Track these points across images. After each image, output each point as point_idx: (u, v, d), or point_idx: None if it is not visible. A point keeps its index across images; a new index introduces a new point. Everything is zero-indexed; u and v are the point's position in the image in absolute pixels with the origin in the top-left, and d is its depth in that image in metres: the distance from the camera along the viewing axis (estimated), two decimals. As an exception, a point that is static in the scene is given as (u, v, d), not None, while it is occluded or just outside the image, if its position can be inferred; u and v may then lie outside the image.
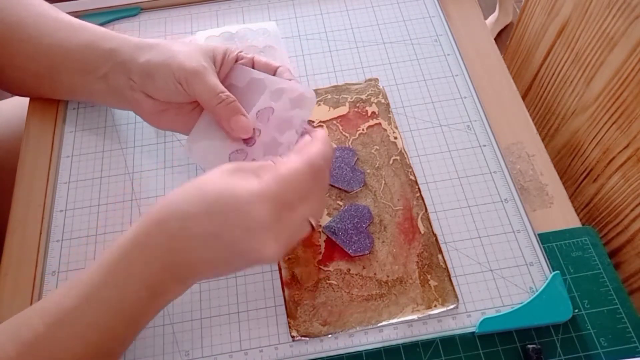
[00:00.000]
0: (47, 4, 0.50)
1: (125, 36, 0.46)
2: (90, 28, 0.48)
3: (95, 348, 0.33)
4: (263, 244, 0.33)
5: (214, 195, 0.33)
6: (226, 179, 0.34)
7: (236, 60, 0.45)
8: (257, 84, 0.45)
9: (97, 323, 0.33)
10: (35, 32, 0.48)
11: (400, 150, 0.49)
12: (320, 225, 0.45)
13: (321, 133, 0.39)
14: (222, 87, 0.42)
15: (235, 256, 0.34)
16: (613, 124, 0.51)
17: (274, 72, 0.45)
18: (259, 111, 0.44)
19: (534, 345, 0.40)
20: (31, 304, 0.43)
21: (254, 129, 0.43)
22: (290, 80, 0.44)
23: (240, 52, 0.45)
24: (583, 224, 0.46)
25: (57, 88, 0.51)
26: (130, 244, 0.33)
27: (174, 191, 0.34)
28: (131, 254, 0.33)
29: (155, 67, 0.43)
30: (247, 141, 0.44)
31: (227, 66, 0.45)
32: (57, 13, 0.49)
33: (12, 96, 0.67)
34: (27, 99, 0.55)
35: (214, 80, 0.42)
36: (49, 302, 0.34)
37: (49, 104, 0.54)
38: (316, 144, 0.37)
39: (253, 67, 0.45)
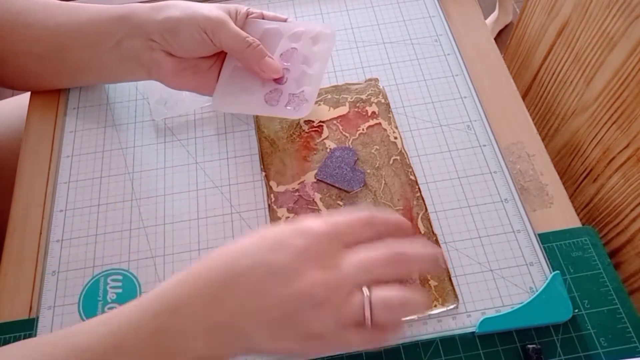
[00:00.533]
0: None
1: (132, 4, 0.47)
2: (94, 5, 0.48)
3: None
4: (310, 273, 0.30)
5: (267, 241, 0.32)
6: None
7: (247, 16, 0.48)
8: (273, 32, 0.49)
9: None
10: (42, 15, 0.48)
11: (400, 150, 0.49)
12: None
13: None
14: (246, 34, 0.45)
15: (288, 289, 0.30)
16: (613, 124, 0.51)
17: (284, 22, 0.49)
18: (282, 54, 0.48)
19: (534, 345, 0.40)
20: (31, 303, 0.43)
21: (284, 70, 0.47)
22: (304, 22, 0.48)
23: (249, 8, 0.49)
24: (583, 224, 0.46)
25: (62, 70, 0.50)
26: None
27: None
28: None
29: (178, 22, 0.44)
30: (279, 81, 0.48)
31: (240, 22, 0.47)
32: (60, 1, 0.50)
33: (12, 96, 0.67)
34: (27, 99, 0.55)
35: (237, 28, 0.45)
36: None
37: (49, 104, 0.54)
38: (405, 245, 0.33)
39: (263, 18, 0.49)
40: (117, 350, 0.29)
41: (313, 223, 0.32)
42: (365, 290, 0.31)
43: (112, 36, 0.46)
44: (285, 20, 0.49)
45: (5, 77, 0.52)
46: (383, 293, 0.31)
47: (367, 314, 0.30)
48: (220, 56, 0.49)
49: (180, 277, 0.31)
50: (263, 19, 0.49)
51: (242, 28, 0.47)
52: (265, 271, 0.30)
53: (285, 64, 0.48)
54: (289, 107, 0.47)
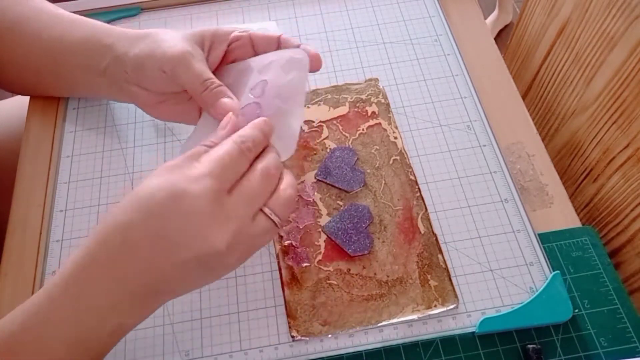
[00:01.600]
0: (45, 1, 0.50)
1: (122, 29, 0.46)
2: (90, 22, 0.47)
3: None
4: (207, 229, 0.31)
5: (148, 194, 0.31)
6: (161, 176, 0.32)
7: (230, 43, 0.43)
8: (244, 69, 0.43)
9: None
10: (35, 27, 0.48)
11: (400, 150, 0.49)
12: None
13: (257, 121, 0.37)
14: (208, 74, 0.40)
15: (186, 253, 0.31)
16: (613, 124, 0.51)
17: (276, 42, 0.42)
18: (251, 89, 0.41)
19: (534, 345, 0.40)
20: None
21: (254, 104, 0.40)
22: (288, 48, 0.42)
23: (234, 32, 0.43)
24: (583, 224, 0.46)
25: (58, 84, 0.51)
26: (77, 270, 0.32)
27: (115, 204, 0.33)
28: (79, 282, 0.32)
29: (143, 59, 0.42)
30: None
31: (219, 48, 0.43)
32: (56, 9, 0.49)
33: (12, 96, 0.67)
34: (27, 99, 0.55)
35: (199, 66, 0.40)
36: None
37: (49, 104, 0.54)
38: (245, 128, 0.36)
39: (252, 45, 0.43)
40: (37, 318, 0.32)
41: (188, 184, 0.32)
42: (265, 210, 0.34)
43: (99, 63, 0.45)
44: (277, 41, 0.42)
45: (6, 84, 0.52)
46: (275, 203, 0.34)
47: (276, 219, 0.34)
48: None
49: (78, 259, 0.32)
50: (252, 42, 0.43)
51: (221, 52, 0.43)
52: (160, 243, 0.31)
53: (255, 98, 0.41)
54: None
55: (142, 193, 0.32)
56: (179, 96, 0.44)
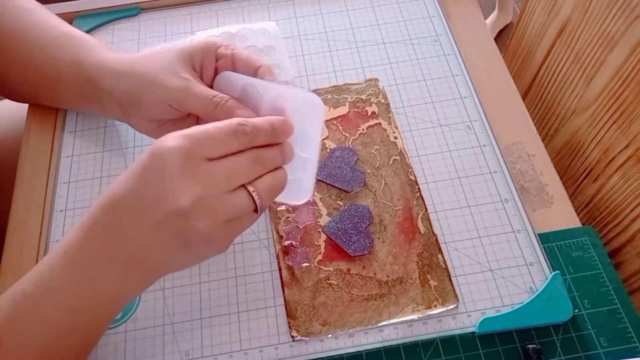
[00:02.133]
0: (38, 9, 0.50)
1: (104, 57, 0.45)
2: (73, 46, 0.47)
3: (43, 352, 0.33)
4: (173, 184, 0.31)
5: (136, 165, 0.32)
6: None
7: (216, 59, 0.42)
8: (250, 90, 0.40)
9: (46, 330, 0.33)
10: (27, 46, 0.48)
11: (400, 150, 0.49)
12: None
13: (272, 117, 0.37)
14: (212, 92, 0.40)
15: (156, 214, 0.31)
16: (613, 124, 0.51)
17: (254, 71, 0.41)
18: None
19: (534, 345, 0.40)
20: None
21: None
22: (282, 83, 0.40)
23: (219, 47, 0.42)
24: (583, 224, 0.46)
25: (56, 100, 0.51)
26: (74, 243, 0.33)
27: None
28: (75, 255, 0.33)
29: (139, 96, 0.42)
30: None
31: (209, 66, 0.42)
32: (45, 22, 0.49)
33: (12, 96, 0.67)
34: (27, 99, 0.55)
35: (201, 89, 0.40)
36: None
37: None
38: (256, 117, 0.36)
39: (233, 64, 0.42)
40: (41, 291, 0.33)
41: (167, 141, 0.32)
42: (248, 187, 0.34)
43: (91, 93, 0.45)
44: (255, 70, 0.41)
45: (6, 92, 0.53)
46: (260, 184, 0.34)
47: (257, 199, 0.34)
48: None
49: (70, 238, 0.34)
50: (233, 61, 0.42)
51: (214, 79, 0.42)
52: (136, 205, 0.32)
53: None
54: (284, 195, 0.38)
55: (132, 167, 0.33)
56: (181, 118, 0.44)
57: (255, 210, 0.34)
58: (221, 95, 0.40)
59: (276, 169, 0.36)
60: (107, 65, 0.44)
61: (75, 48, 0.46)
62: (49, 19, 0.49)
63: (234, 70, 0.42)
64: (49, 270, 0.33)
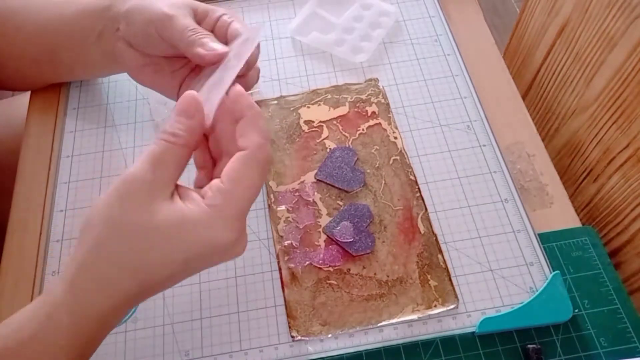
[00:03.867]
0: None
1: None
2: None
3: None
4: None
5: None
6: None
7: (217, 21, 0.42)
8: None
9: None
10: (27, 15, 0.48)
11: (400, 150, 0.49)
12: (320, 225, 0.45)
13: (256, 114, 0.33)
14: (194, 26, 0.40)
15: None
16: (613, 123, 0.51)
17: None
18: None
19: (534, 345, 0.40)
20: (31, 304, 0.43)
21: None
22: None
23: (224, 14, 0.42)
24: (583, 224, 0.46)
25: (58, 69, 0.51)
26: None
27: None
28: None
29: (134, 13, 0.43)
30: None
31: (209, 22, 0.42)
32: None
33: (12, 96, 0.67)
34: (27, 99, 0.55)
35: (188, 21, 0.40)
36: None
37: (49, 104, 0.54)
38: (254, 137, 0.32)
39: (225, 36, 0.41)
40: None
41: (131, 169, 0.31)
42: None
43: (94, 28, 0.46)
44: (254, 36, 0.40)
45: (4, 80, 0.52)
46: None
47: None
48: (188, 65, 0.45)
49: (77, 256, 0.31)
50: (227, 31, 0.41)
51: (208, 28, 0.42)
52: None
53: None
54: None
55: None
56: (165, 64, 0.44)
57: None
58: (203, 31, 0.40)
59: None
60: None
61: None
62: None
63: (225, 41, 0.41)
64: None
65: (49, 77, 0.53)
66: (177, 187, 0.32)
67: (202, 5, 0.43)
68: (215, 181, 0.31)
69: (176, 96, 0.44)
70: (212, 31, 0.42)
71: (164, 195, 0.30)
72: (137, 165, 0.30)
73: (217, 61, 0.39)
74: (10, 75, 0.52)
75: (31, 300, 0.43)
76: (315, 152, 0.49)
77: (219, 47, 0.39)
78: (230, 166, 0.31)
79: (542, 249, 0.44)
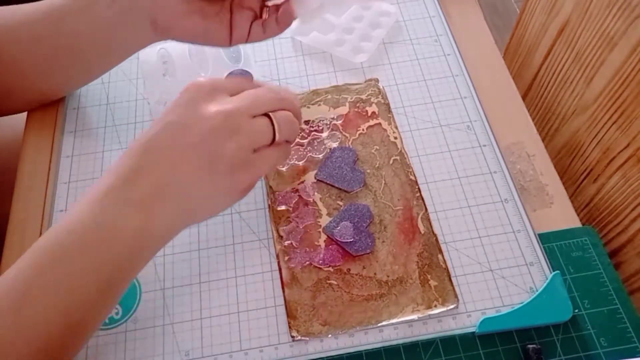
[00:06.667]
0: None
1: None
2: None
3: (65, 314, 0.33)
4: (207, 108, 0.35)
5: (168, 106, 0.37)
6: None
7: None
8: None
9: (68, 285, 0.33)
10: (22, 20, 0.45)
11: (400, 150, 0.49)
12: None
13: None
14: None
15: (193, 134, 0.35)
16: (613, 124, 0.51)
17: None
18: None
19: (534, 345, 0.40)
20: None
21: None
22: None
23: None
24: (583, 224, 0.46)
25: (58, 52, 0.47)
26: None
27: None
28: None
29: None
30: None
31: None
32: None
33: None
34: (27, 99, 0.54)
35: None
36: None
37: (50, 104, 0.54)
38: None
39: None
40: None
41: (195, 80, 0.37)
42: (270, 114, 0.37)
43: None
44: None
45: (19, 103, 0.52)
46: (279, 113, 0.38)
47: (276, 127, 0.37)
48: (226, 5, 0.45)
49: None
50: None
51: None
52: (170, 132, 0.35)
53: None
54: None
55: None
56: (208, 8, 0.43)
57: (273, 140, 0.37)
58: None
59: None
60: None
61: None
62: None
63: None
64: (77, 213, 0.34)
65: (62, 73, 0.49)
66: None
67: None
68: None
69: (229, 42, 0.46)
70: None
71: None
72: None
73: None
74: (24, 93, 0.51)
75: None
76: (315, 152, 0.49)
77: None
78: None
79: (542, 249, 0.44)
